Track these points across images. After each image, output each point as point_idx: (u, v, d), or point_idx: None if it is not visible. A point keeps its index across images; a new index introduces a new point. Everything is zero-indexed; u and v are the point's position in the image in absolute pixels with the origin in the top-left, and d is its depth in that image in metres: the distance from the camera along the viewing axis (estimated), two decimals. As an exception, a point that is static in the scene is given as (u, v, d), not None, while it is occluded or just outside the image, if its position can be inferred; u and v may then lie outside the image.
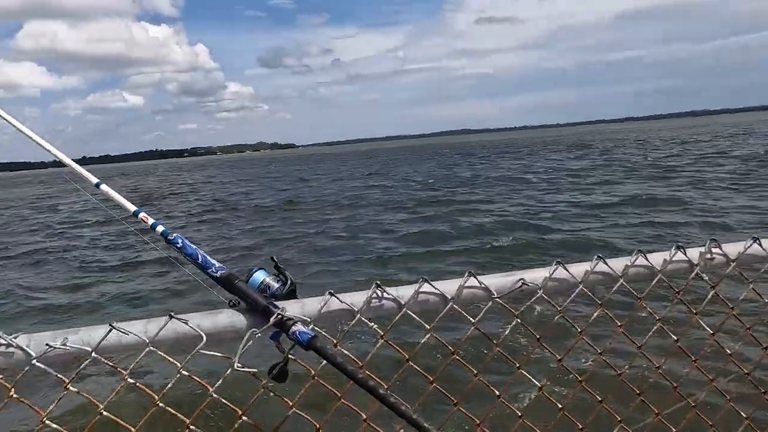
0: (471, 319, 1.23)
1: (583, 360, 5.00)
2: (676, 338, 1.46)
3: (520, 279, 1.22)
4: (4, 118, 1.29)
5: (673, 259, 1.36)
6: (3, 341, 1.01)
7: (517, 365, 1.31)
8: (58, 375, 1.05)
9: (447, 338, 1.30)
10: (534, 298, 1.24)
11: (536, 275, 1.24)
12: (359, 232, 14.42)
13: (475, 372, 1.25)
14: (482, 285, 1.21)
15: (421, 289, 1.18)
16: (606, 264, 1.30)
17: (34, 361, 1.01)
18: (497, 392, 1.26)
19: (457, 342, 1.37)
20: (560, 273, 1.26)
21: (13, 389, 1.04)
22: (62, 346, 1.02)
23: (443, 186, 25.64)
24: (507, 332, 1.29)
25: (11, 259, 14.42)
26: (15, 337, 1.02)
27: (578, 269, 1.29)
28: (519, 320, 1.25)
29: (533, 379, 1.32)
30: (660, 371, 1.45)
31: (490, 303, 1.21)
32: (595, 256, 1.30)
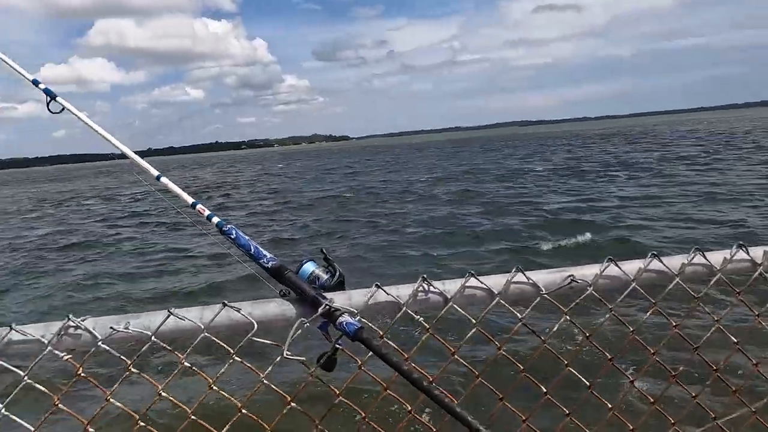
0: (518, 314, 1.22)
1: (636, 360, 4.84)
2: (736, 341, 1.40)
3: (570, 275, 1.20)
4: (76, 115, 1.38)
5: (734, 258, 1.30)
6: (72, 323, 1.09)
7: (566, 363, 1.29)
8: (121, 357, 1.12)
9: (493, 333, 1.29)
10: (583, 296, 1.21)
11: (586, 272, 1.22)
12: (408, 226, 14.42)
13: (522, 368, 1.24)
14: (530, 281, 1.20)
15: (467, 284, 1.18)
16: (661, 261, 1.26)
17: (100, 342, 1.08)
18: (544, 389, 1.25)
19: (503, 337, 1.36)
20: (612, 270, 1.23)
21: (81, 368, 1.12)
22: (125, 330, 1.09)
23: (496, 179, 25.25)
24: (555, 329, 1.27)
25: (77, 249, 15.20)
26: (83, 320, 1.09)
27: (631, 266, 1.25)
28: (568, 317, 1.23)
29: (582, 378, 1.30)
30: (718, 374, 1.40)
31: (538, 299, 1.20)
32: (650, 254, 1.26)
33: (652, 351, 1.34)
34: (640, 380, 1.38)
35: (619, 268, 1.24)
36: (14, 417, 1.07)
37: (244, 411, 1.13)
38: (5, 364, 1.08)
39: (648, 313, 1.34)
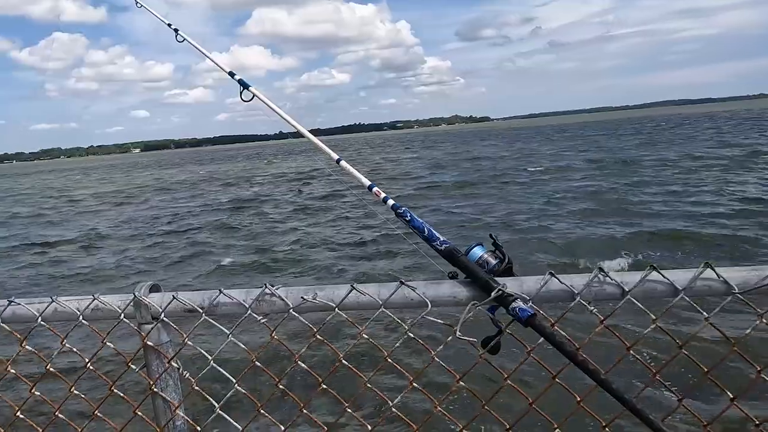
0: (704, 313, 1.13)
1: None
2: None
3: (770, 275, 1.09)
4: (266, 103, 1.52)
5: None
6: (268, 291, 1.22)
7: (759, 368, 1.18)
8: (307, 323, 1.24)
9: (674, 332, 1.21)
10: (785, 298, 1.09)
11: (790, 271, 1.09)
12: (568, 219, 13.38)
13: (706, 369, 1.16)
14: (720, 278, 1.11)
15: (648, 277, 1.12)
16: None
17: (291, 309, 1.21)
18: (731, 395, 1.15)
19: (686, 336, 1.27)
20: (823, 271, 1.09)
21: (274, 332, 1.26)
22: (313, 300, 1.20)
23: (658, 170, 22.71)
24: (749, 331, 1.16)
25: (272, 229, 16.07)
26: (277, 289, 1.22)
27: None
28: (765, 321, 1.12)
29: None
30: None
31: (729, 298, 1.10)
32: None
33: None
34: None
35: (834, 269, 1.10)
36: (221, 369, 1.24)
37: (415, 384, 1.20)
38: (214, 323, 1.25)
39: None
